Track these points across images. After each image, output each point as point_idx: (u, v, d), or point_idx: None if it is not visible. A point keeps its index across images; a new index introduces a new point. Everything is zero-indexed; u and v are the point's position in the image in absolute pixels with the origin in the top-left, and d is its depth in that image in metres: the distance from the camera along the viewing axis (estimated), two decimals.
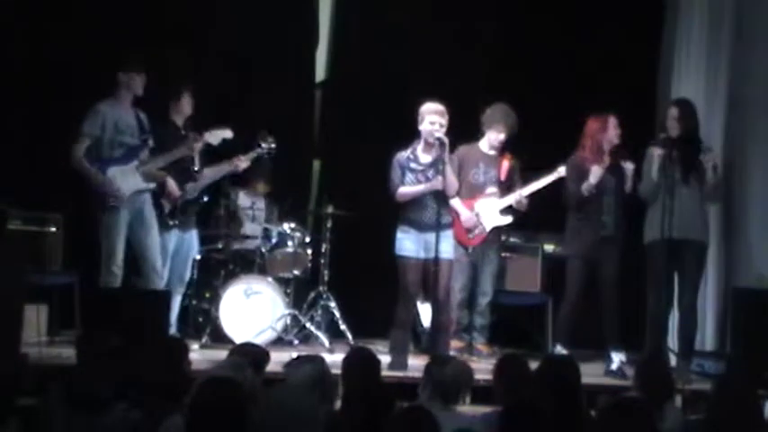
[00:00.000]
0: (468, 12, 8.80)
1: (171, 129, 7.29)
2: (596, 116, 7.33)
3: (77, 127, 6.86)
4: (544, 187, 7.71)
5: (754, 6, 7.93)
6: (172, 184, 7.18)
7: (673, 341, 7.50)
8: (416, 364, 6.83)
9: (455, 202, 7.48)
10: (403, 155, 6.95)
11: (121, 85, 6.97)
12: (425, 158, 6.94)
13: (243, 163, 7.54)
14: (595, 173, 7.16)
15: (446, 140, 6.77)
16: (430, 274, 6.81)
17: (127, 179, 6.90)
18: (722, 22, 8.11)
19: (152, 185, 7.04)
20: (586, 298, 7.29)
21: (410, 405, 3.79)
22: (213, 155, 7.52)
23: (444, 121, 6.83)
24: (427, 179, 6.89)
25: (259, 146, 7.60)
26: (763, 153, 7.70)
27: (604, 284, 7.24)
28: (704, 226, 7.16)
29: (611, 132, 7.27)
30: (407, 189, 6.90)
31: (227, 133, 7.28)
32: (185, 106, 7.35)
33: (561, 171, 7.58)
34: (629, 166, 7.23)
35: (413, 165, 6.93)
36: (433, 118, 6.83)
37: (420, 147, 6.95)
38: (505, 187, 7.76)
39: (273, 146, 7.64)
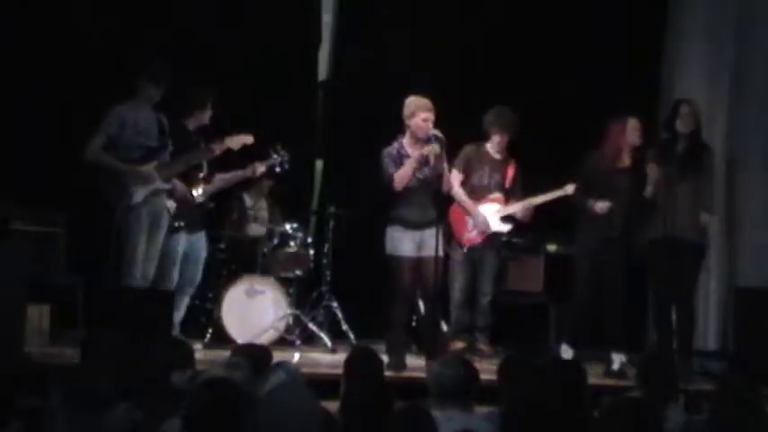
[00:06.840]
0: (469, 11, 8.79)
1: (187, 134, 7.25)
2: (616, 120, 7.26)
3: (94, 126, 6.83)
4: (548, 202, 7.68)
5: (757, 2, 7.92)
6: (181, 186, 7.15)
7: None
8: (415, 364, 6.85)
9: (464, 199, 7.47)
10: (392, 149, 6.90)
11: (142, 91, 6.93)
12: (414, 153, 6.85)
13: (260, 168, 7.51)
14: (602, 207, 7.14)
15: (442, 138, 6.74)
16: (424, 272, 6.79)
17: (143, 179, 6.87)
18: (724, 20, 8.10)
19: (168, 186, 7.02)
20: (595, 298, 7.28)
21: (409, 405, 3.78)
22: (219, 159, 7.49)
23: (433, 116, 6.80)
24: (423, 175, 6.84)
25: (271, 156, 7.58)
26: (765, 152, 7.69)
27: (608, 285, 7.23)
28: (702, 225, 7.13)
29: (631, 135, 7.22)
30: (400, 171, 6.80)
31: (249, 139, 7.23)
32: (205, 117, 7.32)
33: (568, 189, 7.52)
34: (652, 171, 7.13)
35: (405, 160, 6.86)
36: (425, 115, 6.79)
37: (406, 141, 6.90)
38: (509, 194, 7.74)
39: (287, 158, 7.61)
